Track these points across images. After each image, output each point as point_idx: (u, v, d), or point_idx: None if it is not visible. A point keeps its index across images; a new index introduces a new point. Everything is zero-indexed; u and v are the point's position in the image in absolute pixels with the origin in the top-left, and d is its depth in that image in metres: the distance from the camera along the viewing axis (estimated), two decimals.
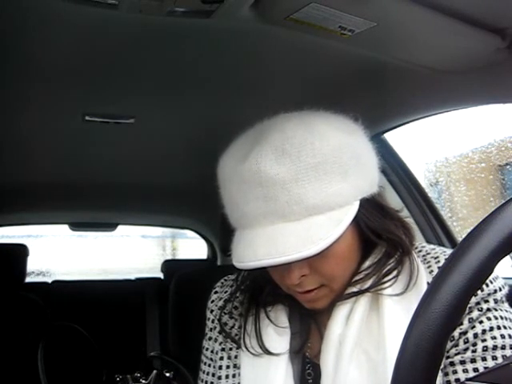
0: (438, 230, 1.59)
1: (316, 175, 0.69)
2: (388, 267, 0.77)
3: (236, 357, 0.86)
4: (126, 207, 2.40)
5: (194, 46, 1.05)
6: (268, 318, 0.84)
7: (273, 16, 0.86)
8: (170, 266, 2.70)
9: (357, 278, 0.78)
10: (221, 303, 0.93)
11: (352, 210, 0.71)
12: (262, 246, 0.70)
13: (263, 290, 0.87)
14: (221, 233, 1.67)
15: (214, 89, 1.30)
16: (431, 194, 1.76)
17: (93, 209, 2.38)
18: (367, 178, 0.75)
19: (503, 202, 0.49)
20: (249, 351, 0.82)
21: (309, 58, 1.12)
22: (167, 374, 1.29)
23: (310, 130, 0.71)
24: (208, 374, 0.93)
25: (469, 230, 0.51)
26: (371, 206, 0.76)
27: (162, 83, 1.26)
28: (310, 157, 0.69)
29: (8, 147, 1.65)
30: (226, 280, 0.98)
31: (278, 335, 0.82)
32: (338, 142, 0.71)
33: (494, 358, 0.69)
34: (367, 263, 0.78)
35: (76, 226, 2.65)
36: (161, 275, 2.74)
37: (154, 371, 1.31)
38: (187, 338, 1.77)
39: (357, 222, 0.73)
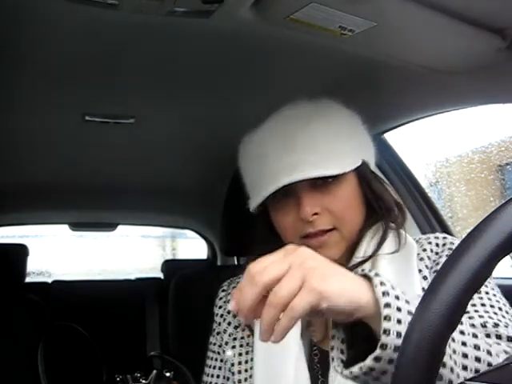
0: (437, 229, 1.59)
1: (328, 125, 0.84)
2: (385, 233, 0.86)
3: (248, 344, 0.90)
4: (126, 207, 2.40)
5: (194, 46, 1.05)
6: None
7: (273, 16, 0.86)
8: (170, 266, 2.69)
9: (360, 245, 0.85)
10: (230, 297, 0.96)
11: (357, 162, 0.85)
12: (283, 173, 0.81)
13: None
14: (221, 233, 1.67)
15: (214, 89, 1.30)
16: (431, 194, 1.76)
17: (93, 209, 2.38)
18: (367, 151, 0.89)
19: (503, 202, 0.49)
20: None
21: (309, 58, 1.12)
22: (167, 374, 1.29)
23: (321, 103, 0.90)
24: (214, 367, 0.95)
25: (469, 230, 0.51)
26: (372, 176, 0.88)
27: (162, 83, 1.26)
28: (321, 120, 0.85)
29: (8, 147, 1.64)
30: (232, 279, 1.02)
31: None
32: (350, 115, 0.89)
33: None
34: (368, 228, 0.87)
35: (76, 225, 2.64)
36: (161, 275, 2.74)
37: (154, 371, 1.31)
38: (187, 337, 1.77)
39: (359, 178, 0.86)
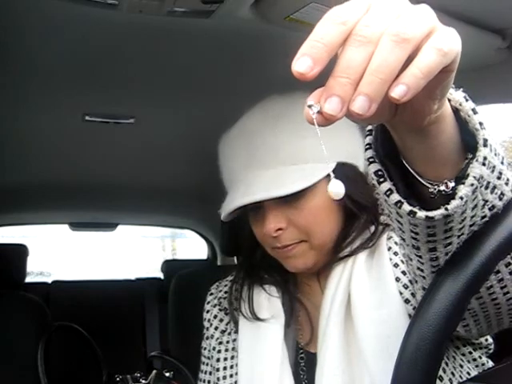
0: None
1: (293, 129, 0.78)
2: (368, 235, 0.81)
3: (233, 349, 0.89)
4: (125, 207, 2.40)
5: (193, 46, 1.05)
6: (262, 287, 0.89)
7: (273, 16, 0.86)
8: (170, 266, 2.70)
9: (343, 244, 0.80)
10: (221, 294, 0.95)
11: (326, 168, 0.75)
12: (240, 192, 0.78)
13: (259, 269, 0.91)
14: (221, 233, 1.67)
15: (214, 89, 1.30)
16: None
17: (93, 209, 2.38)
18: (344, 146, 0.81)
19: (505, 204, 0.49)
20: (244, 317, 0.86)
21: None
22: (167, 374, 1.29)
23: (294, 98, 0.82)
24: (206, 372, 0.95)
25: None
26: (354, 175, 0.80)
27: (162, 83, 1.26)
28: (291, 115, 0.79)
29: (8, 147, 1.64)
30: (220, 282, 1.00)
31: (268, 303, 0.86)
32: None
33: None
34: (350, 232, 0.81)
35: (76, 225, 2.64)
36: (161, 275, 2.74)
37: (154, 371, 1.30)
38: (187, 337, 1.77)
39: None
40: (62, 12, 0.90)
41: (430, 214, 0.45)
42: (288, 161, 0.77)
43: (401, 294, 0.74)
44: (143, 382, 1.29)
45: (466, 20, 0.87)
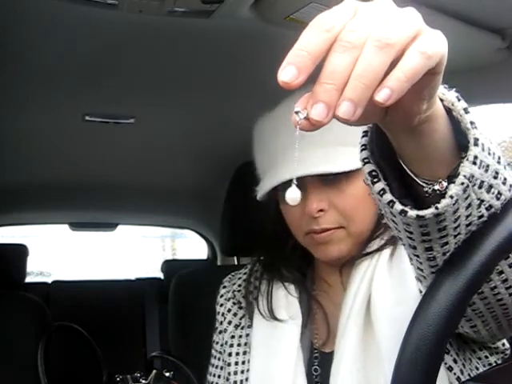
0: None
1: None
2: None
3: (246, 344, 0.88)
4: (126, 207, 2.40)
5: (193, 46, 1.05)
6: (282, 283, 0.88)
7: (273, 16, 0.86)
8: (170, 266, 2.69)
9: (378, 233, 0.80)
10: (235, 287, 0.94)
11: None
12: (285, 167, 0.76)
13: (280, 265, 0.90)
14: (221, 233, 1.67)
15: (214, 89, 1.30)
16: None
17: (93, 209, 2.38)
18: None
19: (505, 202, 0.49)
20: (261, 314, 0.86)
21: None
22: (167, 374, 1.29)
23: None
24: (217, 367, 0.94)
25: None
26: None
27: (162, 83, 1.26)
28: None
29: (8, 147, 1.64)
30: (233, 275, 0.99)
31: (286, 301, 0.86)
32: None
33: None
34: (383, 224, 0.80)
35: (76, 225, 2.64)
36: (161, 275, 2.74)
37: (154, 371, 1.30)
38: (187, 337, 1.77)
39: None
40: (61, 12, 0.90)
41: (421, 212, 0.46)
42: (338, 141, 0.75)
43: (421, 292, 0.73)
44: (143, 382, 1.29)
45: (465, 20, 0.87)
